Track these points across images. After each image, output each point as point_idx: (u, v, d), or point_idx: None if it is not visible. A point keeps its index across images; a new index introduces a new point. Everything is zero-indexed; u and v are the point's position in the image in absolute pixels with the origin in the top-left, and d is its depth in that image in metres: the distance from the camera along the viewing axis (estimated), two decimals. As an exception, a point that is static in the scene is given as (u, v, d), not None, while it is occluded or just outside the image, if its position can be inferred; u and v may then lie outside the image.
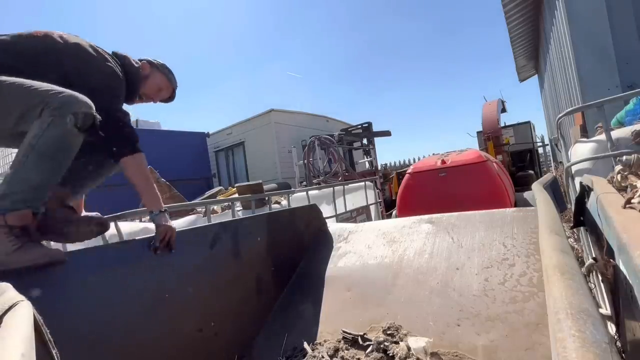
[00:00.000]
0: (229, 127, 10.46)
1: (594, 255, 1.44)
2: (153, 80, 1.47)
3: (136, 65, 1.40)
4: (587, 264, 1.45)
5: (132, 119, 7.44)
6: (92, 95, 1.08)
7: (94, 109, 1.07)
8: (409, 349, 1.12)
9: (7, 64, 1.09)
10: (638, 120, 2.09)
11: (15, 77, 1.04)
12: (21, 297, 0.47)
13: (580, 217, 1.59)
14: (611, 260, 0.94)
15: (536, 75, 10.77)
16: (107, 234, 2.28)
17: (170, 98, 1.60)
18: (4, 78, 1.02)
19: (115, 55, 1.36)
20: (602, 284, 1.44)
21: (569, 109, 1.98)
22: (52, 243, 1.34)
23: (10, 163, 1.02)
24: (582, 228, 1.73)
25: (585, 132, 2.97)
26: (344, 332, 1.29)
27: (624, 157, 1.27)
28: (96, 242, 2.13)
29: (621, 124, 2.27)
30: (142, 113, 7.62)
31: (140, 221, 3.21)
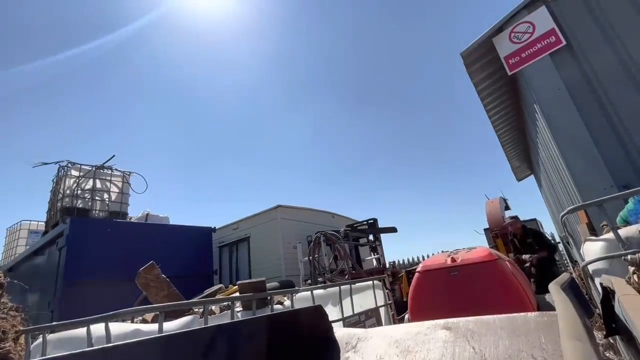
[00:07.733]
0: (236, 222, 10.60)
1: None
2: None
3: None
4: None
5: (143, 212, 7.63)
6: None
7: None
8: None
9: None
10: (642, 218, 2.10)
11: None
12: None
13: (612, 324, 1.44)
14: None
15: (532, 175, 11.26)
16: (94, 335, 2.09)
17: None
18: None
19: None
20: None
21: (569, 208, 2.02)
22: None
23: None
24: (617, 337, 1.55)
25: (593, 230, 2.94)
26: None
27: (629, 257, 1.24)
28: (81, 344, 1.93)
29: (627, 222, 2.27)
30: (152, 207, 7.84)
31: (132, 322, 2.98)
